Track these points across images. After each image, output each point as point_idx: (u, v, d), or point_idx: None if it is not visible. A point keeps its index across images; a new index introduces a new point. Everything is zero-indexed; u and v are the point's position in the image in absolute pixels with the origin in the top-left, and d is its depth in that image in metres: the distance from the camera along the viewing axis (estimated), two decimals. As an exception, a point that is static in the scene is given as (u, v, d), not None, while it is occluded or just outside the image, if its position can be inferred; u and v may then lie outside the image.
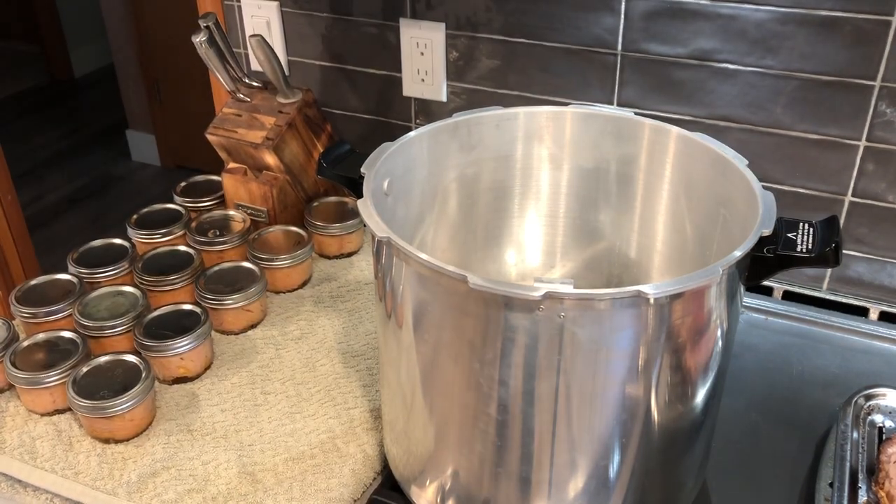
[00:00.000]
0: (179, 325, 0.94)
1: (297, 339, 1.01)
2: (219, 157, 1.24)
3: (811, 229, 0.66)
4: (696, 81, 1.03)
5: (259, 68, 1.17)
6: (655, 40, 1.03)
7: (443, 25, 1.15)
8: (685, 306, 0.60)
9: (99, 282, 1.05)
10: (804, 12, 0.94)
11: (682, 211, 0.82)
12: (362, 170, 0.72)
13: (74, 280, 1.03)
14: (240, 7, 1.30)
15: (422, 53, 1.18)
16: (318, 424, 0.88)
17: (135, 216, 1.16)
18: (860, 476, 0.77)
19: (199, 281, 1.02)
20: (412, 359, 0.68)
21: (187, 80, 2.99)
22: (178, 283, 1.03)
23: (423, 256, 0.60)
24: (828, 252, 0.64)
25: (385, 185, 0.74)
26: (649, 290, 0.56)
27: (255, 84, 1.19)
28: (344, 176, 0.76)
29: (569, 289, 0.56)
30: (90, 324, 0.95)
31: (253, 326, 1.03)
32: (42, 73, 4.24)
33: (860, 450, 0.80)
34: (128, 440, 0.86)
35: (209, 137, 1.19)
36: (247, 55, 1.33)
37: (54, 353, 0.91)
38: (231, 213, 1.17)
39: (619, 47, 1.05)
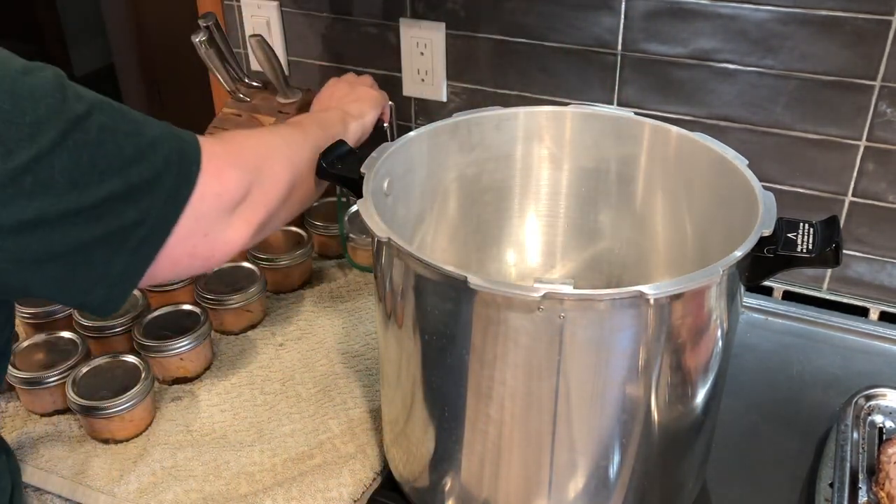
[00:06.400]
0: (179, 325, 0.94)
1: (297, 339, 1.01)
2: (219, 157, 1.23)
3: (811, 229, 0.66)
4: (697, 81, 1.03)
5: (259, 68, 1.17)
6: (655, 40, 1.03)
7: (443, 25, 1.15)
8: (685, 307, 0.60)
9: (99, 282, 1.04)
10: (805, 12, 0.94)
11: (682, 211, 0.82)
12: (362, 170, 0.72)
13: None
14: (240, 7, 1.30)
15: (422, 53, 1.18)
16: (318, 425, 0.88)
17: (134, 216, 1.16)
18: (860, 476, 0.77)
19: (199, 281, 1.02)
20: (412, 359, 0.68)
21: (187, 80, 2.99)
22: (177, 283, 1.03)
23: (423, 257, 0.60)
24: (828, 252, 0.63)
25: (385, 185, 0.74)
26: (649, 290, 0.56)
27: (254, 84, 1.19)
28: (344, 176, 0.76)
29: (569, 289, 0.56)
30: (90, 324, 0.95)
31: (253, 327, 1.03)
32: (42, 73, 4.23)
33: (860, 450, 0.80)
34: (127, 440, 0.86)
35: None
36: (247, 55, 1.33)
37: (54, 354, 0.91)
38: (231, 213, 1.17)
39: (619, 47, 1.05)
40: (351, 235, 1.10)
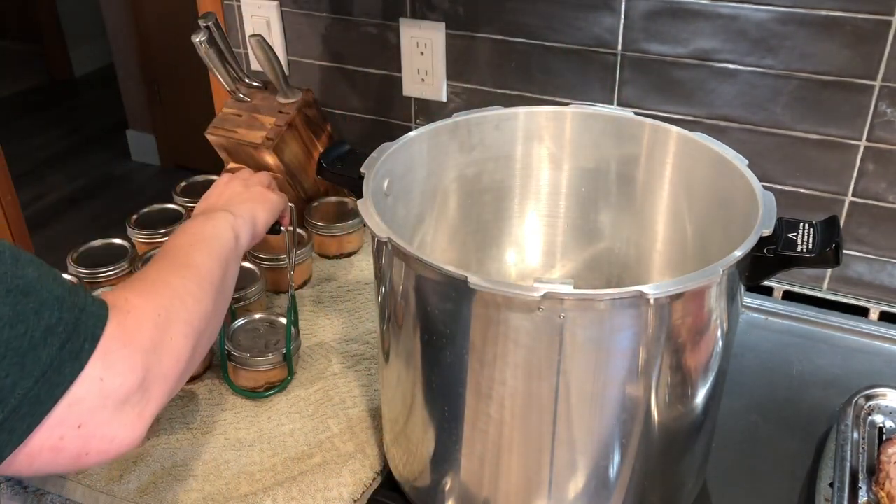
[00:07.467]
0: (179, 325, 0.94)
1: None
2: (219, 157, 1.24)
3: (811, 229, 0.66)
4: (696, 81, 1.03)
5: (259, 68, 1.17)
6: (655, 40, 1.03)
7: (443, 25, 1.15)
8: (685, 306, 0.60)
9: (99, 282, 1.04)
10: (804, 12, 0.94)
11: (682, 211, 0.82)
12: (362, 170, 0.72)
13: (74, 280, 1.02)
14: (240, 7, 1.30)
15: (422, 53, 1.18)
16: (318, 424, 0.88)
17: (135, 216, 1.16)
18: (860, 476, 0.77)
19: (199, 281, 1.02)
20: (412, 359, 0.68)
21: (187, 80, 2.99)
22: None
23: (423, 257, 0.60)
24: (828, 252, 0.64)
25: (385, 185, 0.74)
26: (649, 290, 0.56)
27: (255, 84, 1.19)
28: (344, 176, 0.76)
29: (569, 289, 0.56)
30: (90, 324, 0.95)
31: (253, 326, 1.03)
32: (42, 73, 4.24)
33: (860, 450, 0.80)
34: (127, 440, 0.86)
35: (209, 137, 1.19)
36: (247, 55, 1.33)
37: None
38: (231, 213, 1.17)
39: (619, 47, 1.05)
40: (233, 353, 0.91)
